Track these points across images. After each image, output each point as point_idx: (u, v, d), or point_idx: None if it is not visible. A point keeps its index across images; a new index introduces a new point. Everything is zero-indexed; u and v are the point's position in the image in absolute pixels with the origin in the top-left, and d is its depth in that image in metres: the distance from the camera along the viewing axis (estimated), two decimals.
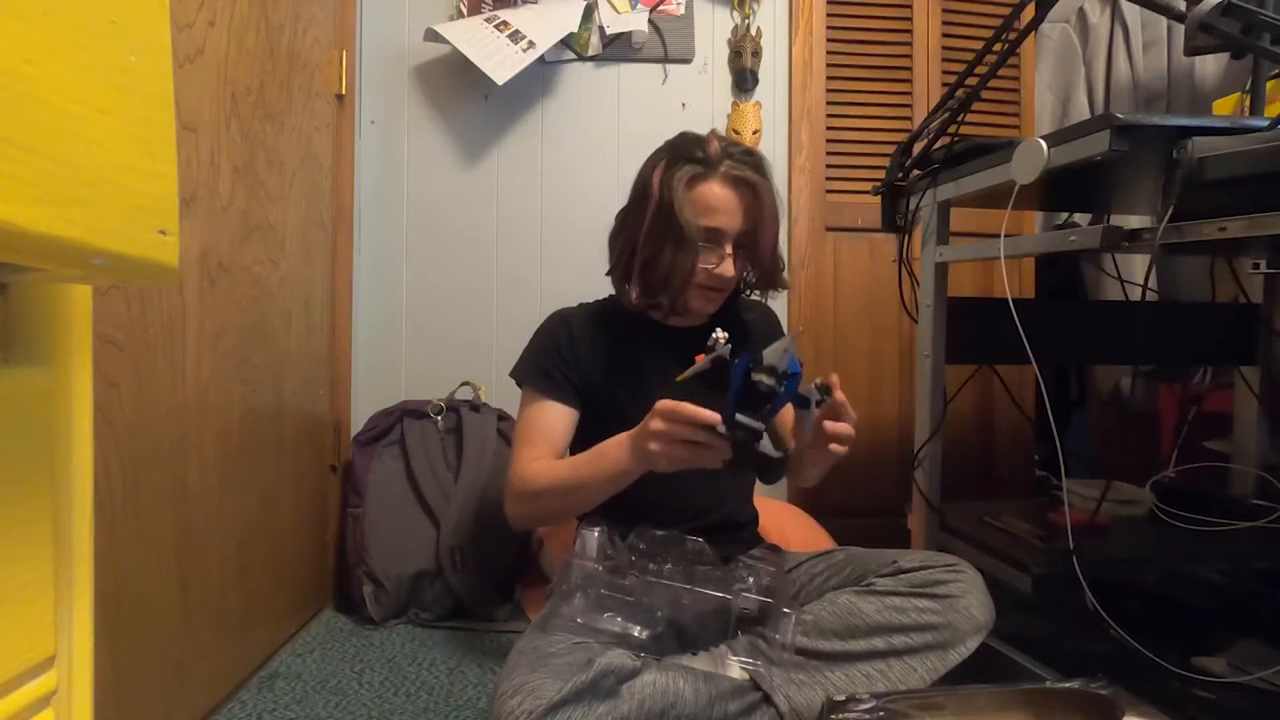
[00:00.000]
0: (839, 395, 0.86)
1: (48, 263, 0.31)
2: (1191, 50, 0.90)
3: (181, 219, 0.43)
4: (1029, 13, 1.05)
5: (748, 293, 1.12)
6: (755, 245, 0.99)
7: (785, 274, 1.09)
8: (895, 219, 1.24)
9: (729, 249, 0.99)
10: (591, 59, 1.70)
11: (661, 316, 1.06)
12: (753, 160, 1.00)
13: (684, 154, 0.99)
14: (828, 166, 1.73)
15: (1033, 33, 1.37)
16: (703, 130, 1.68)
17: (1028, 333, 0.94)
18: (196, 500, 0.98)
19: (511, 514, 1.02)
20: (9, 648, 0.34)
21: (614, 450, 0.90)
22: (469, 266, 1.69)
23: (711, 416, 0.77)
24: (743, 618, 0.88)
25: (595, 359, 1.05)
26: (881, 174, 1.26)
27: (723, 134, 1.08)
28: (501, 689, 0.77)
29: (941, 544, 1.16)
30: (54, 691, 0.37)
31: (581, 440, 1.08)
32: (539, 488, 0.97)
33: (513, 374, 1.08)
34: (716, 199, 0.97)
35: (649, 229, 0.99)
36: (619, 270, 1.06)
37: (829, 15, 1.73)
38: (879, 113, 1.74)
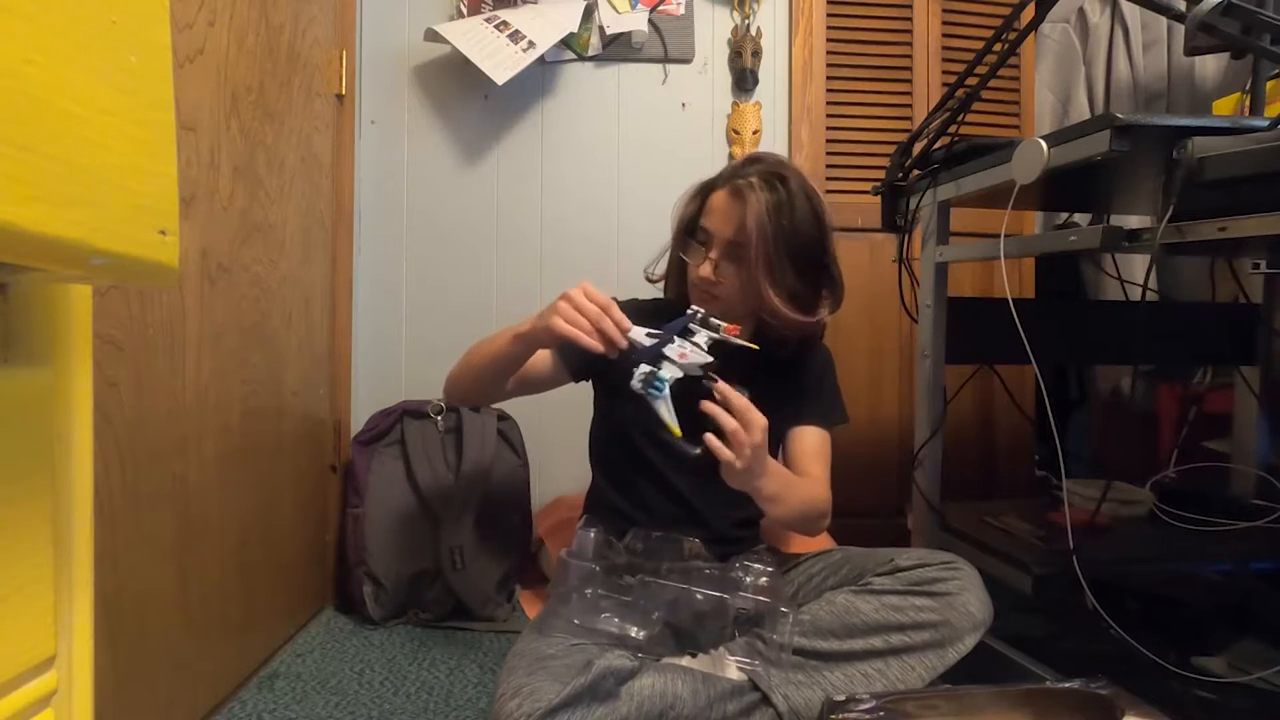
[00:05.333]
0: (720, 386, 0.85)
1: (48, 263, 0.31)
2: (1191, 50, 0.90)
3: (181, 219, 0.43)
4: (1029, 13, 1.05)
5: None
6: (742, 258, 0.97)
7: (804, 313, 1.00)
8: (895, 219, 1.24)
9: (714, 254, 0.99)
10: (591, 59, 1.70)
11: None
12: (769, 178, 0.98)
13: (725, 168, 1.07)
14: (828, 166, 1.73)
15: (1033, 33, 1.37)
16: (704, 130, 1.73)
17: (1028, 333, 0.94)
18: (196, 500, 0.97)
19: (448, 378, 1.08)
20: (9, 648, 0.34)
21: (527, 320, 0.94)
22: (469, 265, 1.69)
23: (622, 319, 0.85)
24: (740, 618, 0.88)
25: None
26: (881, 174, 1.26)
27: (778, 156, 1.09)
28: (501, 691, 0.77)
29: (941, 544, 1.16)
30: (54, 691, 0.37)
31: (598, 423, 1.15)
32: (471, 348, 1.05)
33: None
34: (715, 203, 1.01)
35: (675, 227, 1.09)
36: (662, 267, 1.14)
37: (829, 15, 1.73)
38: (879, 113, 1.74)
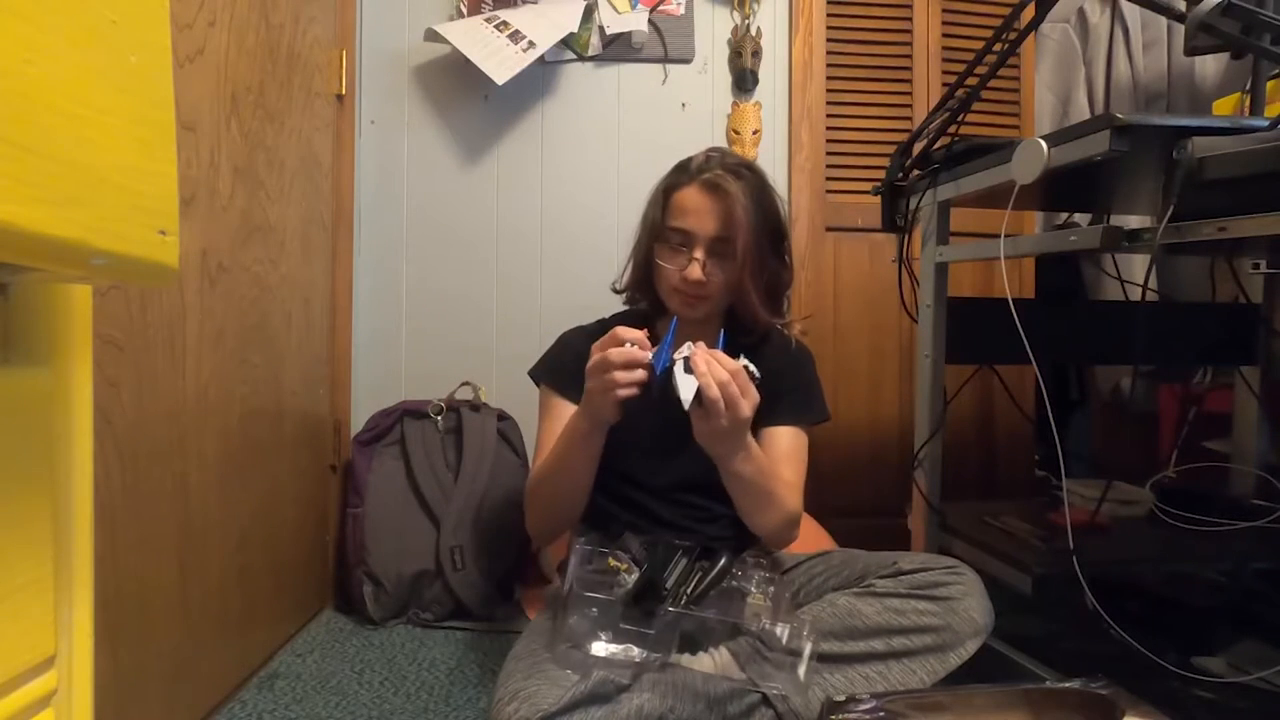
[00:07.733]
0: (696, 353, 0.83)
1: (48, 263, 0.31)
2: (1191, 50, 0.90)
3: (181, 219, 0.43)
4: (1029, 13, 1.05)
5: (782, 325, 1.08)
6: (728, 253, 0.96)
7: (773, 306, 1.03)
8: (895, 219, 1.24)
9: (699, 253, 0.96)
10: (591, 59, 1.70)
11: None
12: (736, 169, 0.98)
13: (679, 166, 1.04)
14: (828, 166, 1.73)
15: (1033, 33, 1.37)
16: (704, 130, 1.73)
17: (1028, 333, 0.94)
18: (197, 500, 0.97)
19: (530, 527, 1.03)
20: (9, 648, 0.34)
21: (573, 419, 0.92)
22: (469, 266, 1.69)
23: (637, 355, 0.81)
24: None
25: None
26: (881, 174, 1.26)
27: (724, 148, 1.07)
28: (499, 695, 0.77)
29: (941, 544, 1.16)
30: (54, 691, 0.37)
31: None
32: (533, 483, 1.00)
33: (530, 373, 1.09)
34: (688, 202, 0.98)
35: (640, 234, 1.06)
36: (627, 277, 1.09)
37: (829, 15, 1.73)
38: (879, 113, 1.74)
